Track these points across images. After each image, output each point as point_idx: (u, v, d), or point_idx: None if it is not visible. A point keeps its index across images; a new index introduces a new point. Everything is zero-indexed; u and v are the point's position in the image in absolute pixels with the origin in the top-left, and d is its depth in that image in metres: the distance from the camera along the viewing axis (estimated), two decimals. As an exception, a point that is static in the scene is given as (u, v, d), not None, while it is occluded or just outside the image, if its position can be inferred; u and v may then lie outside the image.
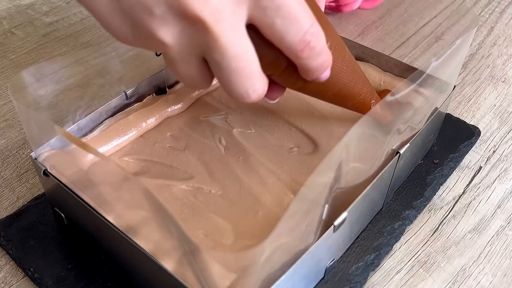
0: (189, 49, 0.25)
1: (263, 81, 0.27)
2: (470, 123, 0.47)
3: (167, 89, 0.42)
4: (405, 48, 0.57)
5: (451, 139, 0.45)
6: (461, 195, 0.41)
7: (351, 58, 0.35)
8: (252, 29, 0.26)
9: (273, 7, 0.25)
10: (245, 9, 0.25)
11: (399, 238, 0.37)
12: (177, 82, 0.44)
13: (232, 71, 0.25)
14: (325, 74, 0.30)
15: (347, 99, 0.36)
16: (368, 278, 0.35)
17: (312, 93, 0.35)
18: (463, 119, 0.47)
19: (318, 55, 0.28)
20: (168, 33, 0.24)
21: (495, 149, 0.45)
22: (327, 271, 0.34)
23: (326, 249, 0.32)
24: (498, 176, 0.43)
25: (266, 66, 0.28)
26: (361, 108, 0.38)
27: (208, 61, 0.26)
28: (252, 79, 0.26)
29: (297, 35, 0.26)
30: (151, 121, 0.40)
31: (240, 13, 0.25)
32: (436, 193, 0.41)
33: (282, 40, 0.26)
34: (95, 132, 0.38)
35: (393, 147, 0.35)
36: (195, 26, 0.24)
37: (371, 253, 0.36)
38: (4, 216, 0.38)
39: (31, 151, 0.34)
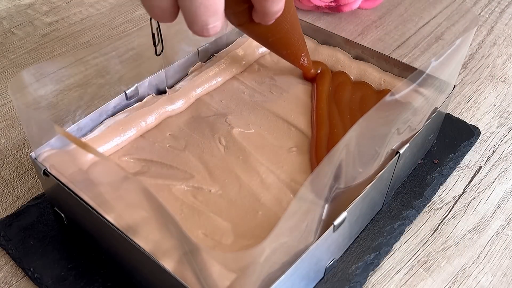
0: None
1: (222, 20, 0.29)
2: (470, 123, 0.47)
3: (167, 89, 0.42)
4: (405, 48, 0.58)
5: (451, 139, 0.45)
6: (461, 195, 0.41)
7: (295, 12, 0.38)
8: None
9: None
10: None
11: (399, 238, 0.37)
12: (177, 82, 0.44)
13: (201, 4, 0.26)
14: (273, 20, 0.34)
15: (284, 47, 0.40)
16: (368, 278, 0.35)
17: (255, 36, 0.38)
18: (463, 119, 0.47)
19: (280, 1, 0.31)
20: None
21: (495, 149, 0.45)
22: (326, 271, 0.34)
23: (326, 249, 0.32)
24: (498, 176, 0.43)
25: (228, 4, 0.29)
26: (293, 58, 0.42)
27: None
28: (215, 15, 0.27)
29: None
30: (151, 121, 0.40)
31: None
32: (436, 193, 0.41)
33: None
34: (95, 132, 0.38)
35: (393, 147, 0.35)
36: None
37: (370, 253, 0.36)
38: (4, 216, 0.38)
39: (31, 151, 0.34)
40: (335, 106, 0.42)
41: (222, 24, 0.29)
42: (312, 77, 0.45)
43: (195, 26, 0.28)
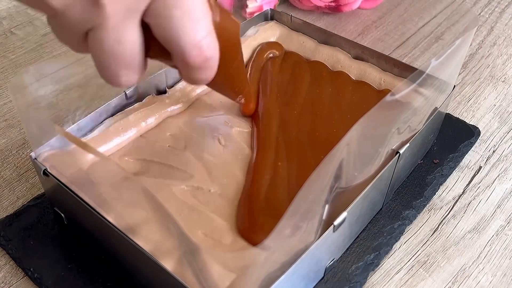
0: (76, 22, 0.23)
1: (140, 74, 0.26)
2: (470, 123, 0.47)
3: (167, 89, 0.42)
4: (405, 48, 0.58)
5: (451, 139, 0.45)
6: (461, 195, 0.41)
7: (240, 63, 0.34)
8: (148, 27, 0.25)
9: None
10: None
11: (399, 238, 0.37)
12: (177, 82, 0.44)
13: (111, 55, 0.24)
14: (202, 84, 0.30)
15: (219, 90, 0.38)
16: (368, 278, 0.35)
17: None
18: (463, 119, 0.47)
19: (207, 69, 0.27)
20: None
21: (495, 149, 0.45)
22: (326, 271, 0.34)
23: (326, 249, 0.32)
24: (498, 176, 0.43)
25: (154, 55, 0.27)
26: (229, 97, 0.39)
27: (90, 37, 0.24)
28: (129, 69, 0.25)
29: (195, 36, 0.25)
30: (151, 121, 0.40)
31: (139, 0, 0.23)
32: (436, 193, 0.41)
33: (177, 38, 0.24)
34: (95, 132, 0.38)
35: (393, 147, 0.35)
36: None
37: (370, 253, 0.36)
38: (4, 216, 0.38)
39: (31, 151, 0.34)
40: (335, 106, 0.42)
41: (139, 78, 0.26)
42: (251, 113, 0.42)
43: (105, 76, 0.26)
